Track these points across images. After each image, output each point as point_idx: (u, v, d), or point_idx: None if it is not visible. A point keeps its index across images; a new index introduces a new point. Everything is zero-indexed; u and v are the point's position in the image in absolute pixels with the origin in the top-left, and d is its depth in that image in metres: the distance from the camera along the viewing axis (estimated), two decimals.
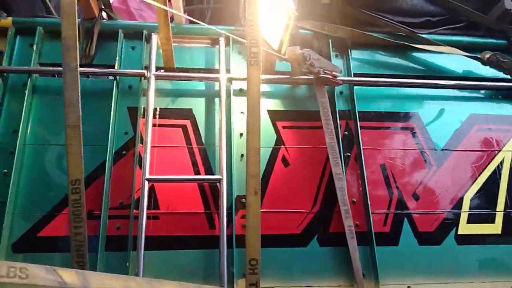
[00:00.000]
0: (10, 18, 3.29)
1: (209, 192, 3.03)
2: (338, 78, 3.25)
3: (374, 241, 2.89)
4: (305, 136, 3.26)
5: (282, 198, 3.03)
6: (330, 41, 3.53)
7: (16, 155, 2.88)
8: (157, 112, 3.19)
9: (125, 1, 3.94)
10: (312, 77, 3.24)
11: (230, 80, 3.29)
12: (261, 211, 2.84)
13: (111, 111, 3.07)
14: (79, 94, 2.36)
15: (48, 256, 2.74)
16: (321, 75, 3.16)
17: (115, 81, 3.17)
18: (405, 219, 3.07)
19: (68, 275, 1.88)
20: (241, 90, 3.34)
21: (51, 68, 3.22)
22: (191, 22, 3.62)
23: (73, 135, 2.31)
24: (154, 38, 3.31)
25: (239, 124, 3.22)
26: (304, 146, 3.21)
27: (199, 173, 3.09)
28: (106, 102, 3.12)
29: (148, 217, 2.79)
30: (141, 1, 4.04)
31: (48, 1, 4.29)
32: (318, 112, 3.26)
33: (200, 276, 2.80)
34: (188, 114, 3.25)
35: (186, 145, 3.15)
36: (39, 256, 2.73)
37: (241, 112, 3.26)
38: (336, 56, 3.55)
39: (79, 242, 2.29)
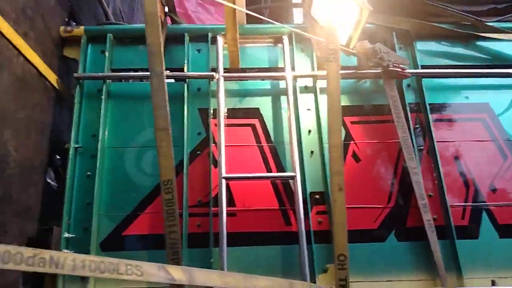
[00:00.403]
0: (82, 27, 3.43)
1: (282, 189, 3.06)
2: (406, 70, 3.21)
3: (455, 235, 2.85)
4: (374, 131, 3.24)
5: (356, 193, 3.02)
6: (394, 33, 3.49)
7: (97, 159, 3.01)
8: (225, 112, 3.25)
9: (183, 5, 4.03)
10: (380, 71, 3.22)
11: (295, 77, 3.31)
12: None
13: (183, 113, 3.15)
14: (166, 98, 2.44)
15: (133, 254, 2.84)
16: (391, 68, 3.13)
17: (186, 84, 3.25)
18: (484, 211, 3.00)
19: (176, 271, 1.96)
20: (306, 87, 3.35)
21: (133, 73, 3.36)
22: (249, 22, 3.65)
23: (163, 137, 2.39)
24: (220, 40, 3.37)
25: (307, 121, 3.24)
26: (375, 141, 3.20)
27: (270, 171, 3.13)
28: (178, 105, 3.20)
29: (226, 214, 2.85)
30: (198, 4, 4.12)
31: (107, 7, 4.45)
32: (385, 106, 3.25)
33: (280, 272, 2.84)
34: (255, 113, 3.30)
35: (256, 144, 3.20)
36: (125, 255, 2.83)
37: (308, 109, 3.28)
38: (401, 48, 3.50)
39: (173, 240, 2.37)
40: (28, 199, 2.83)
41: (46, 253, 1.63)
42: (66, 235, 2.83)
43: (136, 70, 3.41)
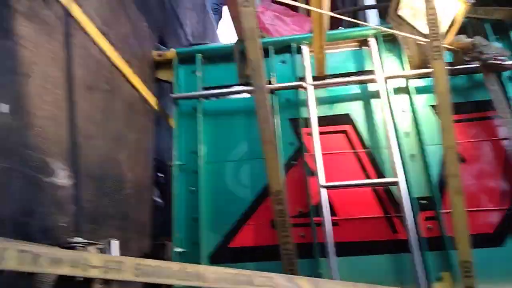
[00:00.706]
0: (173, 50, 3.61)
1: (384, 196, 2.98)
2: (505, 62, 3.02)
3: None
4: (476, 129, 3.06)
5: (466, 196, 2.85)
6: (486, 24, 3.29)
7: (200, 174, 3.13)
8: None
9: (260, 19, 4.12)
10: (477, 65, 3.05)
11: (386, 79, 3.23)
12: (446, 212, 2.74)
13: (275, 124, 3.19)
14: (270, 111, 2.48)
15: (241, 266, 2.88)
16: (490, 62, 2.96)
17: (274, 96, 3.30)
18: None
19: (304, 282, 1.97)
20: (398, 88, 3.26)
21: (225, 90, 3.48)
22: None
23: (269, 149, 2.44)
24: (305, 49, 3.40)
25: (403, 123, 3.14)
26: (479, 140, 3.02)
27: (369, 177, 3.06)
28: None
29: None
30: (275, 16, 4.20)
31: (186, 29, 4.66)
32: (485, 102, 3.08)
33: (391, 281, 2.74)
34: (347, 119, 3.26)
35: (351, 150, 3.15)
36: (233, 266, 2.88)
37: (402, 111, 3.18)
38: (497, 39, 3.30)
39: (288, 250, 2.39)
40: (142, 217, 3.01)
41: (191, 267, 1.72)
42: (177, 249, 2.96)
43: (225, 87, 3.52)
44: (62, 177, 2.10)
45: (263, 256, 2.94)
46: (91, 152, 2.41)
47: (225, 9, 7.30)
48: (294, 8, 4.87)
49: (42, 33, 2.06)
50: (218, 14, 7.45)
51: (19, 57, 1.89)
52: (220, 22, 7.61)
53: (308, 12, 4.92)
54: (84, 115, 2.37)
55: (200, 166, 3.16)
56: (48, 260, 1.47)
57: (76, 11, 2.36)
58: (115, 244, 2.31)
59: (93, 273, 1.50)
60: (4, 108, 1.77)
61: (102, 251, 2.18)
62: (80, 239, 2.08)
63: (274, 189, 2.42)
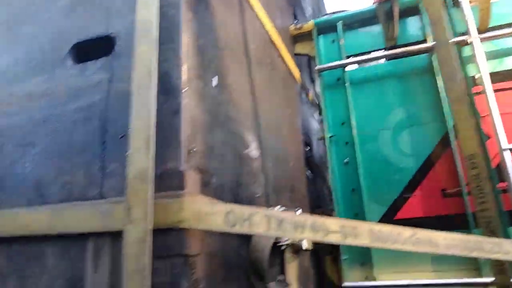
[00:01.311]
0: (311, 22, 3.51)
1: None
2: None
3: None
4: None
5: None
6: None
7: (355, 145, 3.03)
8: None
9: None
10: None
11: None
12: None
13: (435, 86, 2.95)
14: (458, 67, 2.26)
15: None
16: None
17: (432, 56, 3.03)
18: None
19: None
20: None
21: (372, 55, 3.31)
22: None
23: (460, 109, 2.22)
24: (465, 0, 3.05)
25: None
26: None
27: None
28: (424, 79, 3.01)
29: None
30: None
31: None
32: None
33: None
34: None
35: None
36: None
37: None
38: None
39: (488, 218, 2.18)
40: (302, 188, 3.00)
41: (421, 233, 1.62)
42: None
43: (369, 53, 3.35)
44: (253, 149, 2.13)
45: (434, 227, 2.73)
46: (266, 124, 2.42)
47: None
48: None
49: (226, 8, 2.08)
50: None
51: (215, 32, 1.92)
52: None
53: None
54: (258, 89, 2.38)
55: (354, 136, 3.05)
56: (292, 225, 1.47)
57: None
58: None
59: (332, 238, 1.47)
60: (215, 81, 1.81)
61: None
62: (278, 208, 2.10)
63: (468, 152, 2.21)
